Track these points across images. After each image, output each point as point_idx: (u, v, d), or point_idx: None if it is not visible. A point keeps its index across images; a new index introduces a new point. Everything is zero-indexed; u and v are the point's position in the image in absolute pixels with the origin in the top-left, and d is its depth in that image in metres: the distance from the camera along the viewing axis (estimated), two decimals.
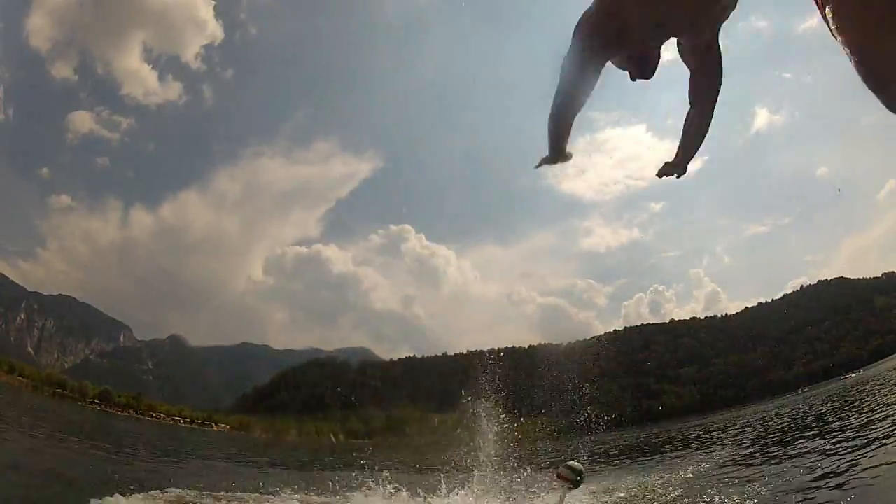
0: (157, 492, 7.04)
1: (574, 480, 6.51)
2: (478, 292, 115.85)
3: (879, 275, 73.66)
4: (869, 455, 9.39)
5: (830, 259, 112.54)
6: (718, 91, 2.07)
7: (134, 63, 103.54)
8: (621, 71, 1.98)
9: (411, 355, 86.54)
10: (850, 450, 10.26)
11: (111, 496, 5.59)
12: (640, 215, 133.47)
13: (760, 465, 11.20)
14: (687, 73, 2.06)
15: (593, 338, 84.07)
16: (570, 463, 6.77)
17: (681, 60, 2.05)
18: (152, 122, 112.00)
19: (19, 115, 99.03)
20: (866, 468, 8.64)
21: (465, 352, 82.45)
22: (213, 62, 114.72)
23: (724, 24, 1.85)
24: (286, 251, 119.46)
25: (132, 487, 6.29)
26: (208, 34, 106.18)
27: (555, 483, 6.88)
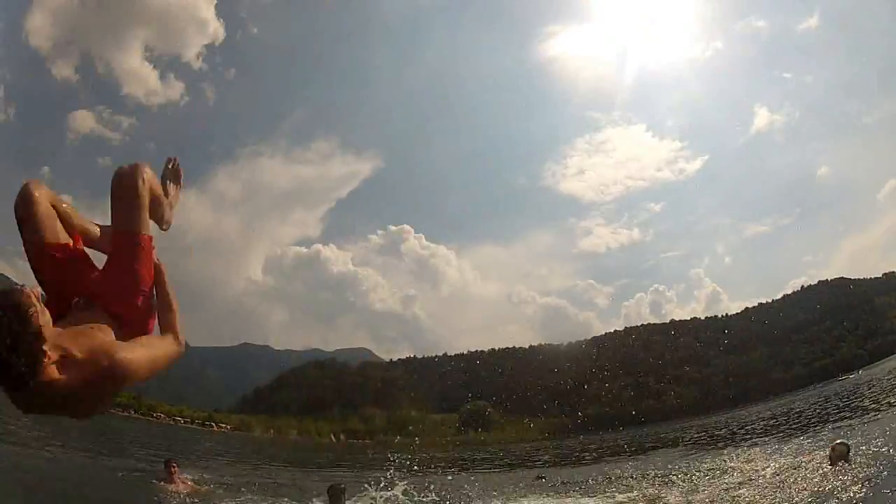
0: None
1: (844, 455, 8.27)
2: (478, 292, 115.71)
3: (879, 275, 73.47)
4: (867, 453, 9.44)
5: (830, 259, 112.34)
6: None
7: (135, 62, 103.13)
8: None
9: (411, 355, 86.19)
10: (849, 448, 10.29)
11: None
12: (640, 215, 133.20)
13: (760, 463, 11.27)
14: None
15: (594, 338, 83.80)
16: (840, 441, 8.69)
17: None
18: (154, 122, 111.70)
19: (20, 115, 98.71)
20: (865, 466, 8.71)
21: (465, 352, 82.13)
22: (215, 62, 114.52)
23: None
24: (286, 251, 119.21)
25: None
26: (210, 33, 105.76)
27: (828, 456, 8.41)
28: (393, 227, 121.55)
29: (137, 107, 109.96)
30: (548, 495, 11.84)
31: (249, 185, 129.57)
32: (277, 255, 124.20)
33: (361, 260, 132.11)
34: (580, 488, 12.12)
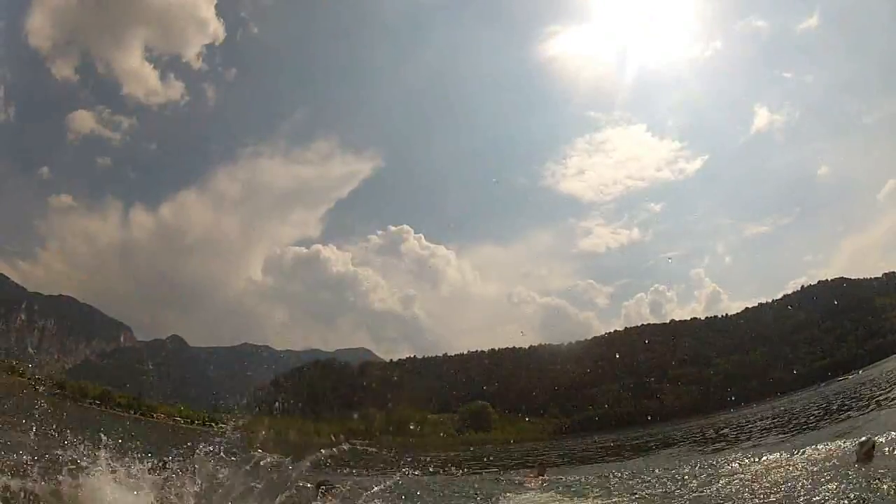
0: None
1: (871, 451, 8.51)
2: (478, 292, 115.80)
3: (879, 275, 73.51)
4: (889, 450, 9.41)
5: (830, 259, 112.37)
6: None
7: (135, 62, 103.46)
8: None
9: (411, 356, 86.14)
10: (848, 447, 10.31)
11: None
12: (640, 215, 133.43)
13: (761, 462, 11.28)
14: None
15: (594, 338, 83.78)
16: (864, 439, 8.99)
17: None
18: (154, 122, 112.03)
19: (19, 115, 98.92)
20: (864, 465, 8.70)
21: (465, 352, 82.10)
22: (215, 62, 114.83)
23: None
24: (286, 251, 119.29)
25: None
26: (210, 33, 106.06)
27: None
28: (393, 227, 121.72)
29: (137, 107, 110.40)
30: (548, 495, 11.85)
31: (249, 185, 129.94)
32: (277, 255, 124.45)
33: (361, 260, 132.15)
34: (580, 488, 12.11)
